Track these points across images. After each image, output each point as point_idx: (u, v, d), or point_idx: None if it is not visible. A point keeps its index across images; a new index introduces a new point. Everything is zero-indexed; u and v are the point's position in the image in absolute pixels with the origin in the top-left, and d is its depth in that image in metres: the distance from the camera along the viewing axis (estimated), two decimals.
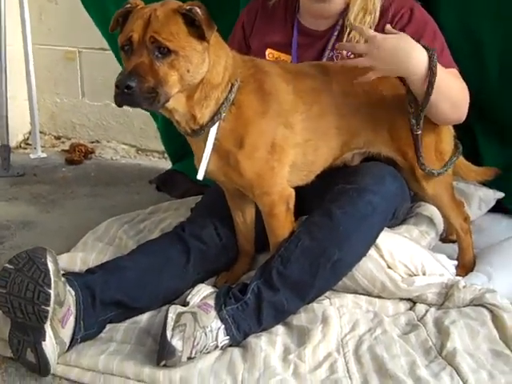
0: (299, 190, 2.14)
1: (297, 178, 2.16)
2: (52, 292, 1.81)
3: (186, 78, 1.86)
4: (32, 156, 4.03)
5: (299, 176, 2.16)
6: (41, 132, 4.12)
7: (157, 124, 3.50)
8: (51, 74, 4.19)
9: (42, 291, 1.80)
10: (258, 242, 2.37)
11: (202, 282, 2.25)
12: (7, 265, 1.85)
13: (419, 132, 2.13)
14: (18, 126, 4.07)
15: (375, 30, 2.18)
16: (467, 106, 2.19)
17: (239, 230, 2.32)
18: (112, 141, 4.18)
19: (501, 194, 2.72)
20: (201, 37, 1.85)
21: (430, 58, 2.00)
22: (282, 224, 2.10)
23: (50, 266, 1.83)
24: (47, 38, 4.13)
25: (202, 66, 1.89)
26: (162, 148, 3.92)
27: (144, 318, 2.10)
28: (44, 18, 4.11)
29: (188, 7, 1.83)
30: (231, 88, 1.97)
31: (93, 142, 4.21)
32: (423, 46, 2.02)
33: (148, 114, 3.72)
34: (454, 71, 2.22)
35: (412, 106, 2.11)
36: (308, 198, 2.18)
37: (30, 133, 4.28)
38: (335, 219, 2.05)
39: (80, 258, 2.41)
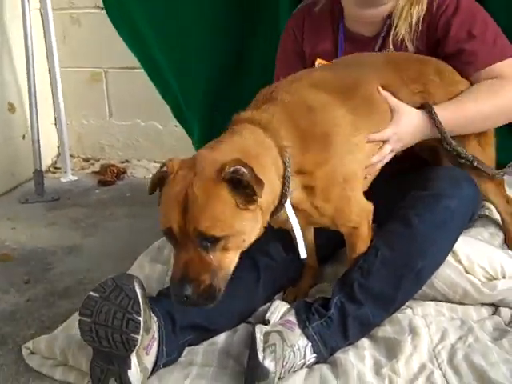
0: (370, 200, 2.06)
1: (365, 184, 2.08)
2: (141, 319, 1.75)
3: (244, 246, 1.68)
4: (63, 180, 3.97)
5: (367, 181, 2.09)
6: (70, 155, 4.05)
7: (192, 140, 3.44)
8: (77, 96, 4.13)
9: (131, 319, 1.74)
10: (319, 254, 2.32)
11: (271, 298, 2.19)
12: (92, 293, 1.79)
13: (475, 163, 2.14)
14: (46, 150, 4.00)
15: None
16: None
17: None
18: (142, 159, 4.13)
19: None
20: (248, 196, 1.61)
21: (430, 113, 2.06)
22: (365, 240, 2.02)
23: (139, 292, 1.77)
24: (72, 60, 4.07)
25: (256, 225, 1.69)
26: None
27: (221, 338, 2.04)
28: (68, 40, 4.05)
29: (231, 169, 1.57)
30: (286, 165, 1.76)
31: (123, 162, 4.15)
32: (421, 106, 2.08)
33: (178, 129, 3.68)
34: (488, 84, 2.16)
35: (450, 151, 2.14)
36: (380, 206, 2.11)
37: (57, 156, 4.23)
38: (414, 227, 1.98)
39: (142, 281, 2.33)
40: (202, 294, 1.61)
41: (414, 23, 2.22)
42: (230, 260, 1.66)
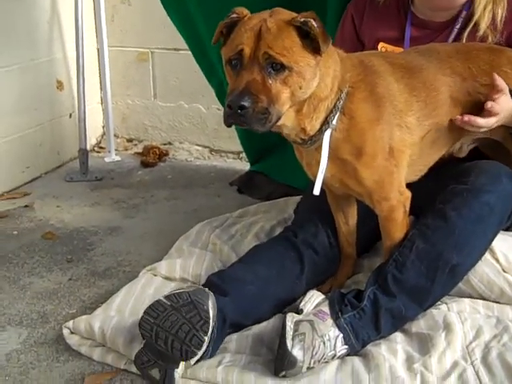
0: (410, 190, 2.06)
1: (411, 173, 2.09)
2: (207, 339, 1.79)
3: (298, 95, 1.76)
4: (107, 159, 4.01)
5: (414, 172, 2.10)
6: (114, 135, 4.10)
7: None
8: (123, 76, 4.16)
9: (196, 335, 1.78)
10: (359, 245, 2.32)
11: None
12: (162, 299, 1.83)
13: None
14: (92, 129, 4.05)
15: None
16: None
17: (341, 233, 2.26)
18: (185, 142, 4.14)
19: None
20: (315, 50, 1.74)
21: None
22: (400, 228, 2.03)
23: (211, 312, 1.80)
24: (119, 39, 4.09)
25: (314, 80, 1.78)
26: (236, 148, 3.88)
27: (255, 326, 2.06)
28: (116, 19, 4.07)
29: (303, 19, 1.71)
30: (340, 96, 1.89)
31: (165, 144, 4.17)
32: None
33: (222, 113, 3.68)
34: None
35: None
36: (417, 198, 2.10)
37: (102, 136, 4.28)
38: (450, 222, 1.98)
39: (180, 265, 2.39)
40: (258, 112, 1.67)
41: (498, 21, 2.20)
42: (286, 97, 1.73)
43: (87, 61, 3.83)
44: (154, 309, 1.82)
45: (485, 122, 2.00)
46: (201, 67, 3.32)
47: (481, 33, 2.22)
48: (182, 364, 1.82)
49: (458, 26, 2.27)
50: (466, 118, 1.99)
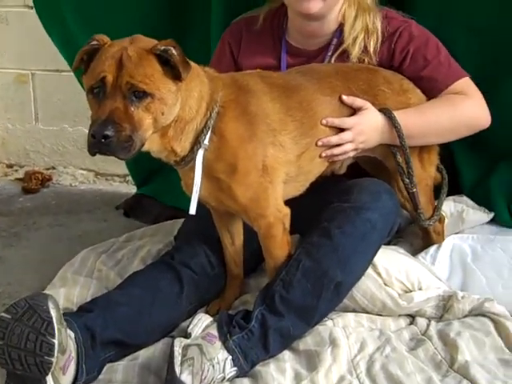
0: (293, 208, 2.09)
1: (293, 189, 2.13)
2: (56, 341, 1.70)
3: (160, 121, 1.80)
4: None
5: (295, 187, 2.14)
6: None
7: None
8: (2, 98, 4.03)
9: (44, 341, 1.70)
10: (245, 264, 2.33)
11: (196, 312, 2.18)
12: (4, 314, 1.74)
13: (414, 190, 2.23)
14: None
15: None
16: (473, 119, 2.30)
17: (228, 253, 2.27)
18: (69, 166, 4.04)
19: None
20: (175, 76, 1.79)
21: (390, 118, 2.14)
22: (279, 245, 2.06)
23: (53, 312, 1.72)
24: None
25: (175, 106, 1.83)
26: (122, 171, 3.83)
27: (141, 353, 2.01)
28: None
29: (163, 47, 1.76)
30: (210, 115, 1.92)
31: (48, 169, 4.05)
32: (380, 110, 2.16)
33: None
34: (448, 97, 2.26)
35: (401, 166, 2.20)
36: (301, 216, 2.13)
37: None
38: (335, 239, 2.01)
39: (63, 295, 2.30)
40: (121, 140, 1.70)
41: (371, 52, 2.27)
42: (148, 123, 1.77)
43: None
44: None
45: (338, 139, 2.10)
46: (83, 87, 3.24)
47: (354, 60, 2.29)
48: (49, 381, 1.73)
49: (329, 53, 2.34)
50: (320, 142, 2.09)
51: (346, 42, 2.29)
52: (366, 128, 2.13)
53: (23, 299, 1.76)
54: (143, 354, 2.01)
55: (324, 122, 2.09)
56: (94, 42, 1.82)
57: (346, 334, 2.02)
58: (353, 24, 2.27)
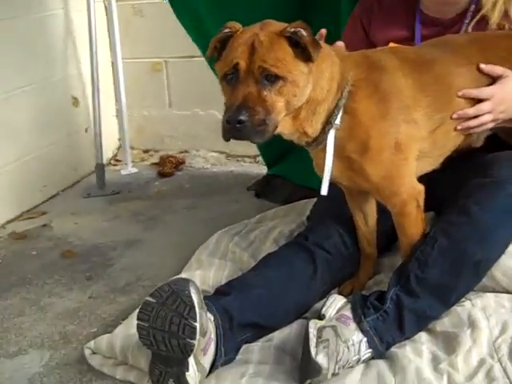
0: (428, 185, 2.01)
1: (426, 164, 2.06)
2: (198, 325, 1.75)
3: (293, 103, 1.79)
4: (123, 172, 4.01)
5: (429, 162, 2.06)
6: (130, 147, 4.11)
7: None
8: (138, 87, 4.16)
9: (187, 324, 1.75)
10: (379, 244, 2.28)
11: (329, 292, 2.17)
12: (149, 298, 1.81)
13: None
14: (108, 143, 4.05)
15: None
16: None
17: (361, 233, 2.23)
18: (201, 149, 4.14)
19: None
20: (306, 58, 1.77)
21: None
22: (414, 223, 2.00)
23: (195, 297, 1.77)
24: (133, 51, 4.10)
25: (307, 87, 1.81)
26: (252, 152, 3.87)
27: (276, 334, 2.03)
28: (130, 31, 4.07)
29: (292, 29, 1.75)
30: (341, 95, 1.89)
31: (181, 153, 4.18)
32: None
33: None
34: None
35: None
36: (436, 193, 2.06)
37: (118, 148, 4.29)
38: (473, 216, 1.93)
39: (199, 277, 2.35)
40: (255, 124, 1.72)
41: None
42: (281, 106, 1.77)
43: (102, 75, 3.86)
44: (144, 311, 1.80)
45: (475, 110, 1.99)
46: (215, 73, 3.29)
47: (493, 26, 2.17)
48: (191, 365, 1.79)
49: (467, 21, 2.23)
50: (455, 115, 1.99)
51: (484, 7, 2.17)
52: (506, 96, 2.01)
53: (166, 284, 1.82)
54: (278, 335, 2.03)
55: (460, 93, 1.99)
56: (227, 30, 1.84)
57: (486, 315, 1.94)
58: None
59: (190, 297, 1.77)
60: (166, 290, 1.80)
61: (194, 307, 1.76)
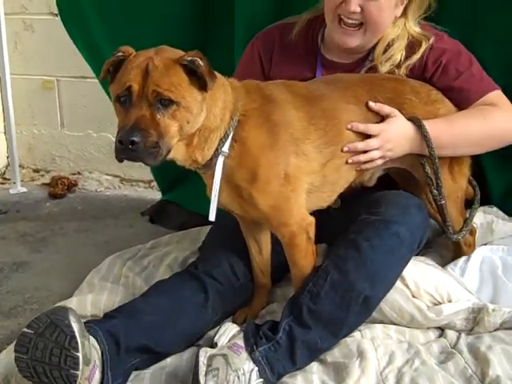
0: (322, 218, 2.07)
1: (319, 200, 2.11)
2: (80, 355, 1.70)
3: (186, 129, 1.81)
4: (12, 191, 3.88)
5: (322, 198, 2.12)
6: (19, 165, 3.96)
7: None
8: (28, 104, 4.06)
9: (69, 355, 1.70)
10: (273, 274, 2.31)
11: (222, 321, 2.17)
12: (26, 329, 1.74)
13: (443, 202, 2.19)
14: None
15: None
16: (505, 130, 2.25)
17: (255, 262, 2.25)
18: (94, 172, 4.06)
19: None
20: (201, 86, 1.80)
21: (419, 127, 2.11)
22: (304, 254, 2.04)
23: (75, 326, 1.72)
24: (23, 67, 3.99)
25: (201, 115, 1.84)
26: (147, 177, 3.84)
27: (168, 361, 2.01)
28: (19, 46, 3.97)
29: (190, 58, 1.78)
30: (231, 124, 1.93)
31: (74, 174, 4.08)
32: (409, 119, 2.13)
33: None
34: (479, 109, 2.23)
35: (429, 177, 2.16)
36: (328, 226, 2.12)
37: (6, 167, 4.14)
38: (363, 252, 1.99)
39: (90, 302, 2.31)
40: (148, 146, 1.72)
41: (403, 66, 2.25)
42: (174, 131, 1.79)
43: None
44: (22, 343, 1.74)
45: (364, 145, 2.07)
46: (108, 95, 3.25)
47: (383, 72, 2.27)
48: None
49: (365, 68, 2.31)
50: (345, 148, 2.07)
51: (376, 60, 2.27)
52: (393, 135, 2.11)
53: (44, 314, 1.76)
54: (170, 362, 2.00)
55: (349, 126, 2.08)
56: (120, 54, 1.84)
57: (374, 346, 2.00)
58: (393, 44, 2.24)
59: (70, 326, 1.71)
60: (44, 321, 1.74)
61: (75, 337, 1.70)
